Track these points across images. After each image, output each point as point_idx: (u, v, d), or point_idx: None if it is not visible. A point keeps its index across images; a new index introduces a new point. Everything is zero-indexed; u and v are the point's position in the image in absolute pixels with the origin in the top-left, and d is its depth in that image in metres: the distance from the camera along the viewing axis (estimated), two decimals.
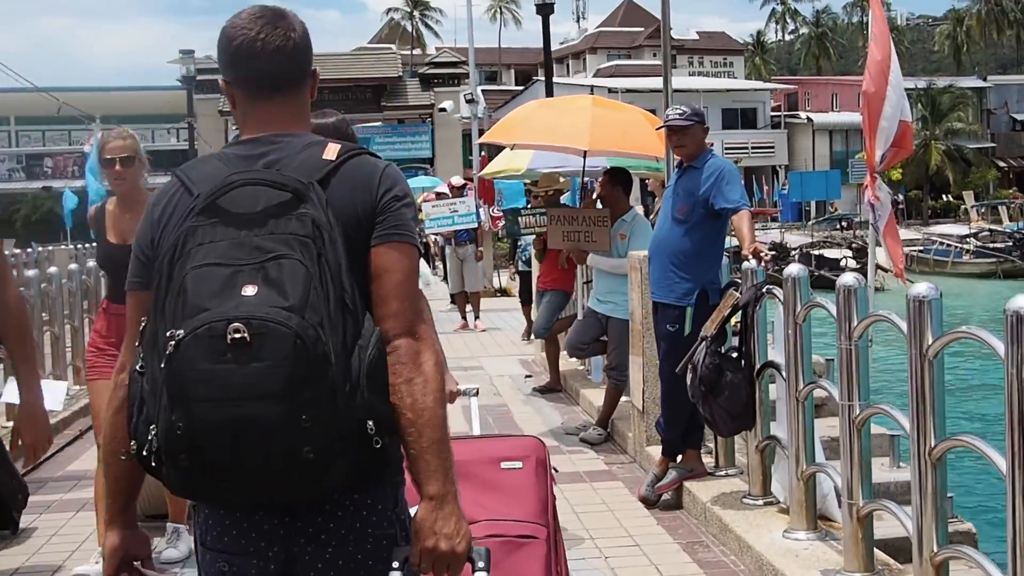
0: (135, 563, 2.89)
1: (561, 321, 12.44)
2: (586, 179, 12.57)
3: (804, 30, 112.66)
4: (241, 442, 2.43)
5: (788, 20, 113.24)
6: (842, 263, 36.32)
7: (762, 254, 6.93)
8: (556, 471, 4.28)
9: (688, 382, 7.00)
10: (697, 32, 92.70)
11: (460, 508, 2.64)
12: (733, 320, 7.00)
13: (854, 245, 39.33)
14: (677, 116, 7.67)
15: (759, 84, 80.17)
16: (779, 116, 72.20)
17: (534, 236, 13.09)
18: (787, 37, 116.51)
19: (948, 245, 41.56)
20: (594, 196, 11.59)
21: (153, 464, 2.55)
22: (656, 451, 8.43)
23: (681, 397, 7.34)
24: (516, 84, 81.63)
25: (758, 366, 6.94)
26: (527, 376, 13.77)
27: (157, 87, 54.60)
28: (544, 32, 13.85)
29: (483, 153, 27.08)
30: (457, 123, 38.85)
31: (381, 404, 2.55)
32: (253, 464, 2.46)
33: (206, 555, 2.73)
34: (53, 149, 52.76)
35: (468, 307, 19.31)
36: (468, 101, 28.94)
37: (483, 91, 34.16)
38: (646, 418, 8.78)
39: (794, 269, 6.35)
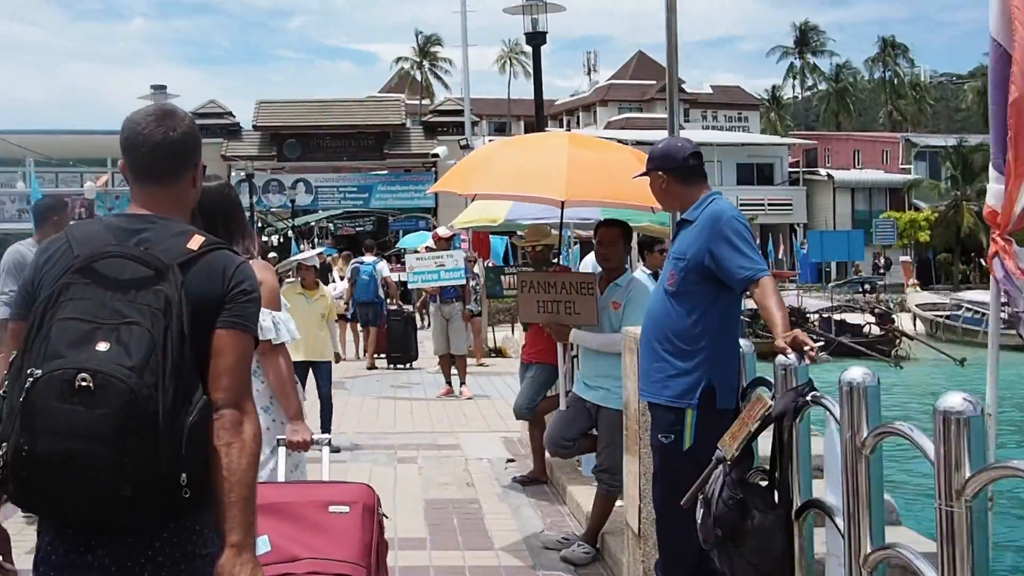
0: None
1: (548, 400, 10.46)
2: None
3: (823, 86, 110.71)
4: (71, 471, 2.85)
5: (806, 75, 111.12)
6: (865, 330, 34.30)
7: (806, 347, 4.96)
8: (387, 517, 4.55)
9: (698, 521, 5.02)
10: (711, 86, 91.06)
11: (256, 558, 3.10)
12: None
13: (877, 310, 37.10)
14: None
15: (776, 139, 78.00)
16: (797, 172, 70.17)
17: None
18: (804, 93, 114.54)
19: (978, 313, 38.77)
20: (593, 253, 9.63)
21: (1, 476, 2.91)
22: None
23: (683, 536, 5.38)
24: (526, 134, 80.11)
25: (798, 504, 4.92)
26: (509, 461, 11.76)
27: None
28: (535, 64, 12.04)
29: None
30: None
31: (196, 461, 2.98)
32: (79, 490, 2.87)
33: (49, 572, 3.05)
34: (65, 191, 51.58)
35: (454, 370, 17.38)
36: (462, 147, 27.11)
37: (491, 141, 32.39)
38: (644, 543, 6.77)
39: (856, 375, 4.28)
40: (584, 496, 9.05)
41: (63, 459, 2.85)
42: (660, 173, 5.85)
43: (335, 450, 11.41)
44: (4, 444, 2.90)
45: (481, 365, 21.03)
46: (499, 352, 23.42)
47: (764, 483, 5.01)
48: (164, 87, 30.95)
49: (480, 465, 11.56)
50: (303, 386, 11.84)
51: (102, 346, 2.90)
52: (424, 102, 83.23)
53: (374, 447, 12.59)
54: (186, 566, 3.07)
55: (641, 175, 6.11)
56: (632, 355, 6.77)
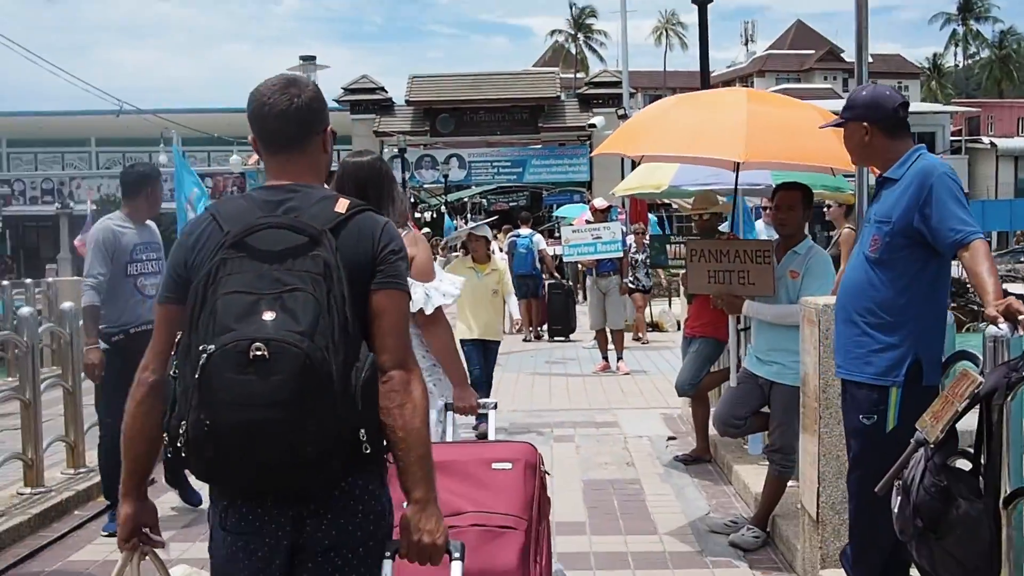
0: (144, 529, 3.40)
1: (712, 376, 9.99)
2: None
3: (985, 53, 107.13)
4: (256, 439, 2.94)
5: (969, 42, 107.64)
6: None
7: (1021, 316, 4.41)
8: (548, 475, 4.56)
9: (895, 508, 4.53)
10: (871, 55, 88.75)
11: (439, 509, 3.19)
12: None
13: None
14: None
15: (938, 107, 75.70)
16: (959, 141, 68.02)
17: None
18: (966, 61, 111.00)
19: None
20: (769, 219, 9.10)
21: (183, 455, 3.03)
22: None
23: (879, 525, 4.90)
24: None
25: (1007, 491, 4.40)
26: (670, 439, 11.29)
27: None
28: (701, 24, 11.49)
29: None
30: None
31: (372, 416, 3.09)
32: (265, 457, 2.97)
33: (226, 537, 3.20)
34: (217, 169, 52.24)
35: (611, 346, 16.94)
36: (620, 117, 26.42)
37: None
38: (822, 529, 6.29)
39: None
40: (751, 476, 8.59)
41: (246, 429, 2.93)
42: (865, 124, 5.27)
43: (482, 436, 11.17)
44: (183, 422, 3.00)
45: (639, 340, 20.54)
46: (655, 326, 22.90)
47: (967, 468, 4.52)
48: (313, 57, 30.63)
49: (640, 443, 11.13)
50: (480, 367, 11.57)
51: (268, 315, 2.98)
52: (579, 75, 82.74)
53: (529, 425, 12.23)
54: (346, 521, 3.16)
55: (835, 125, 5.56)
56: (812, 327, 6.28)
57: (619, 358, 16.83)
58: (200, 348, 2.97)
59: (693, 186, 11.39)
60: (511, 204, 51.59)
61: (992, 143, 67.10)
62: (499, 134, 49.60)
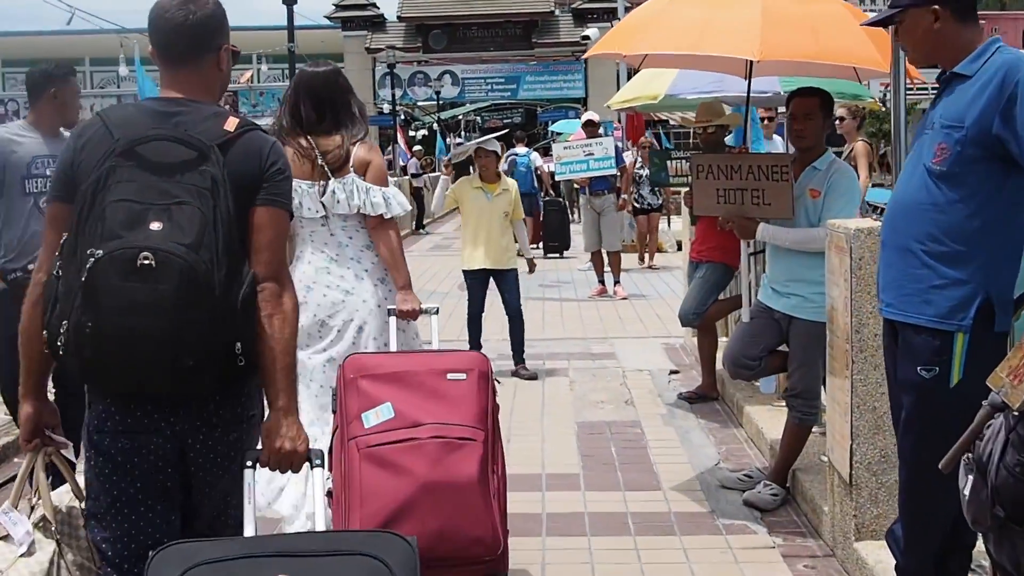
0: (46, 431, 3.51)
1: (720, 305, 9.04)
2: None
3: None
4: (135, 345, 3.03)
5: None
6: None
7: None
8: (499, 382, 4.93)
9: (965, 491, 3.56)
10: None
11: (299, 419, 3.35)
12: None
13: None
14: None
15: None
16: None
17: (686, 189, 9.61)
18: None
19: None
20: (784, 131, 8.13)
21: (61, 353, 3.12)
22: (872, 551, 5.08)
23: (938, 500, 3.98)
24: None
25: None
26: (672, 372, 10.35)
27: (307, 25, 52.37)
28: None
29: None
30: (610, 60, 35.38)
31: (248, 331, 3.21)
32: (143, 363, 3.07)
33: (105, 439, 3.28)
34: None
35: (607, 269, 15.97)
36: None
37: None
38: (856, 494, 5.35)
39: None
40: (764, 419, 7.69)
41: (127, 334, 3.03)
42: (935, 7, 4.23)
43: (531, 376, 10.43)
44: (65, 322, 3.08)
45: (650, 268, 19.36)
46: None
47: None
48: None
49: (640, 378, 10.17)
50: (482, 298, 10.47)
51: (155, 225, 3.06)
52: None
53: None
54: (235, 427, 3.37)
55: (885, 18, 4.51)
56: (842, 255, 5.31)
57: (616, 282, 15.87)
58: (88, 252, 3.03)
59: (693, 94, 10.31)
60: (505, 121, 50.80)
61: None
62: (492, 50, 49.09)
